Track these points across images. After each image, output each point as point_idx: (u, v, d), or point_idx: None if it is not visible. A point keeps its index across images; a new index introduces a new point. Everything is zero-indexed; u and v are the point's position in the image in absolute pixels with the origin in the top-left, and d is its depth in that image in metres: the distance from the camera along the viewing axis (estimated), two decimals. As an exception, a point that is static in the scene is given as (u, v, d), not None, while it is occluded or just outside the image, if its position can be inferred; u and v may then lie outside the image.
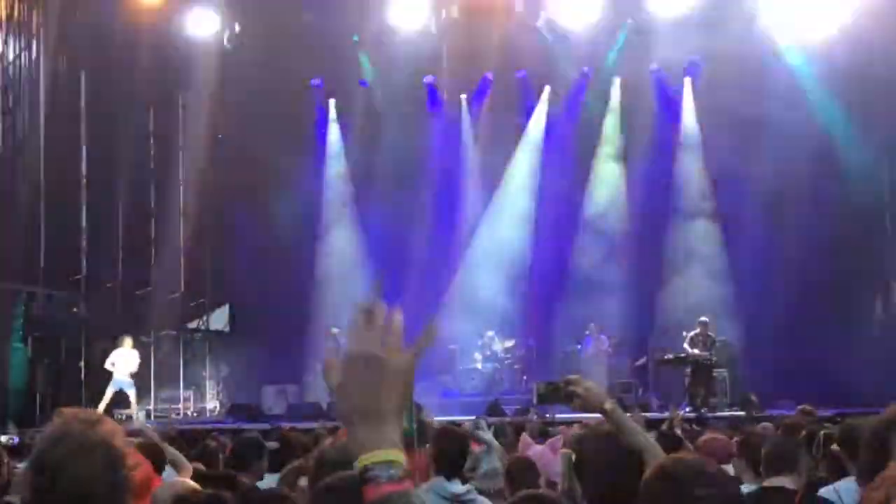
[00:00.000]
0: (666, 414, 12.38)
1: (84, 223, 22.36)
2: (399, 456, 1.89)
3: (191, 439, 9.94)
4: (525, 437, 9.55)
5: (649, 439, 3.82)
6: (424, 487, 5.56)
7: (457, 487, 5.87)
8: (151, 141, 24.18)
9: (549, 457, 8.23)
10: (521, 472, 6.20)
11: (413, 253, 22.68)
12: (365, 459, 1.88)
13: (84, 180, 22.39)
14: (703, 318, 19.64)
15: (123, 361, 19.64)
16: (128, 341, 19.89)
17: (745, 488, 5.83)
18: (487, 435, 7.21)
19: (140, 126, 23.36)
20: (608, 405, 3.79)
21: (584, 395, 3.81)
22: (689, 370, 19.44)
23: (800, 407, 11.14)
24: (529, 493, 4.20)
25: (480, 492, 6.25)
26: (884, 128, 21.33)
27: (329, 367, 1.98)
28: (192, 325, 24.85)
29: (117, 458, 2.70)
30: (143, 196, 23.71)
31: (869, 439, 3.83)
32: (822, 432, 6.60)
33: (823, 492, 5.21)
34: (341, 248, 23.47)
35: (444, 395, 20.65)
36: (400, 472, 1.87)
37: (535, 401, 4.40)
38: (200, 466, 7.32)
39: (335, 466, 3.42)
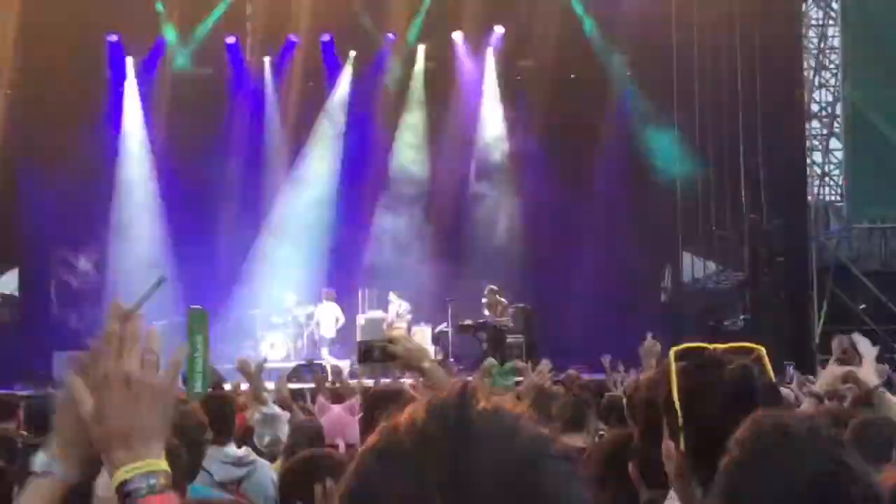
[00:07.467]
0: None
1: None
2: (160, 464, 1.79)
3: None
4: (321, 400, 9.53)
5: None
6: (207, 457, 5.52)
7: (236, 451, 5.90)
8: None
9: (347, 419, 8.23)
10: (305, 437, 6.25)
11: (214, 218, 22.34)
12: (123, 473, 1.77)
13: None
14: (492, 286, 20.30)
15: None
16: None
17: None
18: (270, 408, 7.22)
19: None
20: (426, 364, 3.80)
21: (404, 355, 3.80)
22: (485, 336, 20.01)
23: (569, 371, 11.71)
24: (307, 452, 4.22)
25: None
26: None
27: (76, 389, 1.87)
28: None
29: None
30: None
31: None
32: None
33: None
34: (138, 213, 22.71)
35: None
36: (161, 479, 1.77)
37: (357, 360, 4.44)
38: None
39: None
